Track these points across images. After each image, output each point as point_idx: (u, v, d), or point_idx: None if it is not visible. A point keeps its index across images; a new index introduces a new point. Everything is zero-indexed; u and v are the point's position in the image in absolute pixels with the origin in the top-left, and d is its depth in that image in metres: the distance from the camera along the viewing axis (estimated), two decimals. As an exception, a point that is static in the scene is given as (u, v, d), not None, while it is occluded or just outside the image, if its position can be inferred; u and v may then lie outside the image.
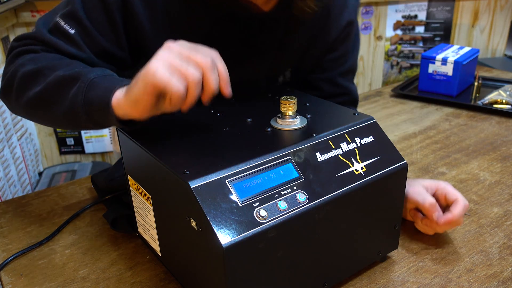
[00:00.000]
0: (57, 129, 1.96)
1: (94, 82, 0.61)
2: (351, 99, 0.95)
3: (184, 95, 0.54)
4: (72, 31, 0.69)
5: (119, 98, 0.58)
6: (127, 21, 0.71)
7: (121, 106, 0.58)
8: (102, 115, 0.60)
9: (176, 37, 0.73)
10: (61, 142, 2.02)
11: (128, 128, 0.63)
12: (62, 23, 0.69)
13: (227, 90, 0.58)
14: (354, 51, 0.91)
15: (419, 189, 0.74)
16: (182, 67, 0.54)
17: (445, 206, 0.74)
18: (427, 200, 0.72)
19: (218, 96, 0.77)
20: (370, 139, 0.63)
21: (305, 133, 0.61)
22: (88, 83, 0.61)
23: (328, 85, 0.91)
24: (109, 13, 0.69)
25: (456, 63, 1.36)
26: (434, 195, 0.75)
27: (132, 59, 0.75)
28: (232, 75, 0.59)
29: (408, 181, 0.74)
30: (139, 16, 0.70)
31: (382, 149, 0.63)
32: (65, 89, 0.62)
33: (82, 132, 1.99)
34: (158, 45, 0.72)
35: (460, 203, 0.72)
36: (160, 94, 0.55)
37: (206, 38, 0.74)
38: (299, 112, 0.64)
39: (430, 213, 0.72)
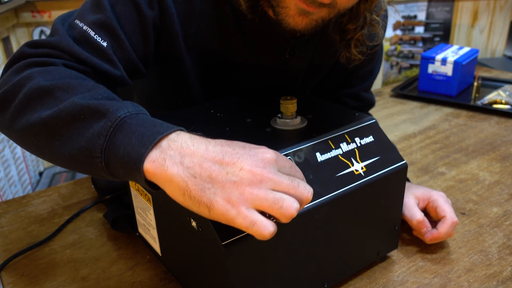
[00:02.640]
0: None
1: (124, 124, 0.47)
2: (370, 107, 0.99)
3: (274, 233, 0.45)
4: (105, 44, 0.60)
5: (164, 171, 0.44)
6: (161, 38, 0.67)
7: (163, 183, 0.45)
8: (125, 172, 0.46)
9: (206, 54, 0.73)
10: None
11: (158, 191, 0.47)
12: (92, 33, 0.60)
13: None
14: (378, 65, 0.92)
15: (409, 202, 0.74)
16: (285, 209, 0.43)
17: (436, 220, 0.74)
18: (415, 218, 0.72)
19: (219, 96, 0.78)
20: (370, 139, 0.64)
21: (305, 133, 0.61)
22: (117, 124, 0.47)
23: (352, 100, 0.93)
24: (145, 27, 0.64)
25: (456, 63, 1.36)
26: (426, 207, 0.76)
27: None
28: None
29: None
30: (176, 34, 0.67)
31: (382, 149, 0.64)
32: (83, 124, 0.48)
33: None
34: (188, 62, 0.72)
35: (448, 221, 0.71)
36: None
37: (237, 58, 0.74)
38: (299, 112, 0.64)
39: (418, 230, 0.73)
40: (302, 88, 0.87)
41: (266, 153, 0.46)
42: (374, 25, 0.72)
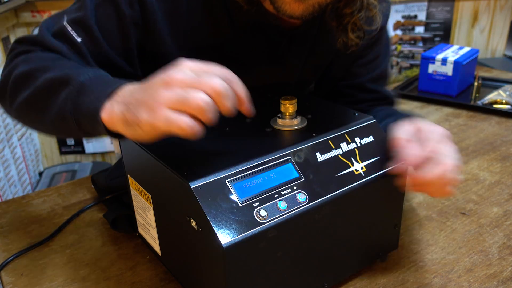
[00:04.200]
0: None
1: (84, 86, 0.55)
2: (389, 102, 0.91)
3: (196, 128, 0.48)
4: (79, 39, 0.66)
5: (112, 113, 0.51)
6: (146, 37, 0.69)
7: (115, 124, 0.51)
8: (91, 126, 0.54)
9: (198, 52, 0.72)
10: (61, 142, 2.02)
11: (120, 139, 0.56)
12: (69, 28, 0.66)
13: (246, 110, 0.54)
14: (385, 57, 0.89)
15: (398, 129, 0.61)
16: (190, 101, 0.46)
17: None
18: (395, 135, 0.60)
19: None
20: (370, 139, 0.63)
21: (305, 133, 0.61)
22: (78, 88, 0.55)
23: (358, 91, 0.89)
24: (123, 26, 0.66)
25: (456, 63, 1.36)
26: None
27: (143, 73, 0.72)
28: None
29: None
30: (162, 32, 0.68)
31: (382, 149, 0.64)
32: (54, 94, 0.57)
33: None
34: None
35: (441, 165, 0.56)
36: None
37: (231, 53, 0.74)
38: (299, 112, 0.64)
39: (394, 148, 0.60)
40: (302, 83, 0.86)
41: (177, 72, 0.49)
42: (371, 9, 0.72)
